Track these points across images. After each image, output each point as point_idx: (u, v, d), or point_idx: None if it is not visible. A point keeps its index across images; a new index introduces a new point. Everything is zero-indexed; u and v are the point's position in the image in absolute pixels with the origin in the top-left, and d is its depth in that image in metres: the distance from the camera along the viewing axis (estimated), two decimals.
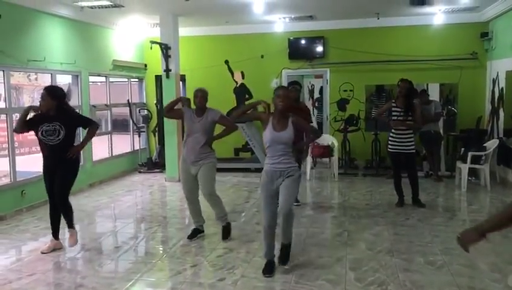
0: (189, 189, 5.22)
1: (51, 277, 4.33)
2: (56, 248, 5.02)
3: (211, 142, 5.14)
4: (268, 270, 4.21)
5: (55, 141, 4.77)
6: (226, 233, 5.27)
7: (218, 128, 5.21)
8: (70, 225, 5.05)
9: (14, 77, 7.44)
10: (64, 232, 5.17)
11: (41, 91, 4.84)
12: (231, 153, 10.22)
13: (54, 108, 4.78)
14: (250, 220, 6.05)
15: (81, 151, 8.19)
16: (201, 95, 5.10)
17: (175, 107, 5.33)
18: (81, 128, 5.60)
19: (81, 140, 5.19)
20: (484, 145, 7.73)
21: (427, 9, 8.51)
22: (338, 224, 5.88)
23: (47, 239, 5.34)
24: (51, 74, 7.53)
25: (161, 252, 5.00)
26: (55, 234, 5.06)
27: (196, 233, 5.33)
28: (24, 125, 4.85)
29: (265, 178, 4.26)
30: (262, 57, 10.12)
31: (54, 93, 4.82)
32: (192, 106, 5.20)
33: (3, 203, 6.33)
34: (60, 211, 5.00)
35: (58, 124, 4.77)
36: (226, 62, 10.27)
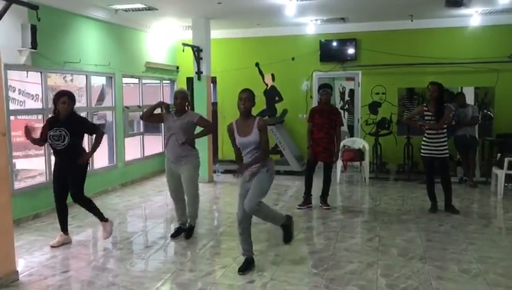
0: (174, 188, 5.42)
1: (83, 274, 4.42)
2: (65, 242, 5.22)
3: (190, 141, 5.26)
4: (244, 267, 4.32)
5: (60, 146, 4.96)
6: (190, 233, 5.47)
7: None
8: (101, 218, 5.29)
9: (51, 78, 7.63)
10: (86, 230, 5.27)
11: (63, 97, 4.96)
12: None
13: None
14: None
15: (114, 152, 8.42)
16: (182, 96, 5.26)
17: (155, 112, 5.36)
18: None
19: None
20: None
21: (463, 11, 8.32)
22: (369, 229, 5.79)
23: (80, 237, 5.49)
24: (86, 76, 7.70)
25: (191, 252, 5.03)
26: (64, 228, 5.26)
27: (180, 231, 5.49)
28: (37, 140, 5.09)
29: (241, 179, 4.36)
30: (293, 59, 10.09)
31: (73, 97, 5.05)
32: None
33: (39, 201, 6.50)
34: (85, 209, 5.25)
35: (64, 129, 4.93)
36: (257, 64, 10.28)
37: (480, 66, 9.03)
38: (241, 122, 4.29)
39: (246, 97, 4.23)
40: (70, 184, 5.07)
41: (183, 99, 5.25)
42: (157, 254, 4.99)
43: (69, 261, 4.79)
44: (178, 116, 5.22)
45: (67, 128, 4.92)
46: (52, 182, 5.21)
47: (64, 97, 4.94)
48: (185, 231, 5.49)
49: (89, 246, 5.38)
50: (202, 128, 5.45)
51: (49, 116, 5.08)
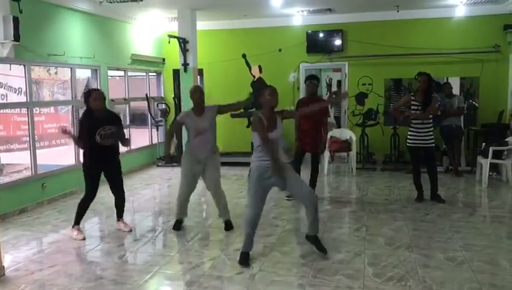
0: (190, 184, 5.38)
1: (71, 268, 4.39)
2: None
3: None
4: (246, 261, 4.33)
5: (109, 142, 5.09)
6: (230, 226, 5.43)
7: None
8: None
9: (34, 71, 7.52)
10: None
11: (95, 92, 5.05)
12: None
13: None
14: (268, 214, 6.02)
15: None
16: (201, 90, 5.31)
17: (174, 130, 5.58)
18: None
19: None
20: (506, 139, 7.59)
21: (448, 1, 8.36)
22: (356, 219, 5.83)
23: (68, 231, 5.42)
24: (71, 68, 7.61)
25: (179, 245, 5.03)
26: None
27: (181, 224, 5.49)
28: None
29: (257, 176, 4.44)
30: (280, 50, 10.07)
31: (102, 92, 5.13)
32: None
33: (25, 195, 6.44)
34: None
35: (113, 126, 5.07)
36: (244, 56, 10.21)
37: (465, 57, 9.10)
38: (266, 117, 4.35)
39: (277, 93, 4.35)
40: (116, 177, 5.39)
41: (203, 94, 5.31)
42: (146, 247, 4.97)
43: (56, 255, 4.75)
44: (199, 114, 5.21)
45: (113, 124, 5.07)
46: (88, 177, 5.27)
47: (96, 94, 5.00)
48: (182, 223, 5.51)
49: (77, 240, 5.33)
50: (231, 105, 5.58)
51: (78, 115, 5.08)
